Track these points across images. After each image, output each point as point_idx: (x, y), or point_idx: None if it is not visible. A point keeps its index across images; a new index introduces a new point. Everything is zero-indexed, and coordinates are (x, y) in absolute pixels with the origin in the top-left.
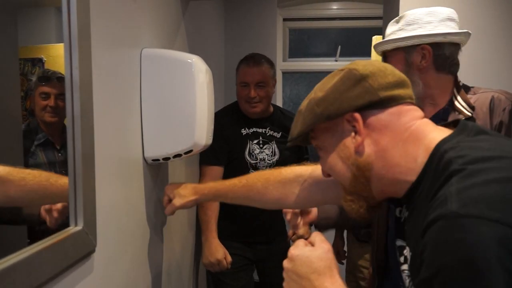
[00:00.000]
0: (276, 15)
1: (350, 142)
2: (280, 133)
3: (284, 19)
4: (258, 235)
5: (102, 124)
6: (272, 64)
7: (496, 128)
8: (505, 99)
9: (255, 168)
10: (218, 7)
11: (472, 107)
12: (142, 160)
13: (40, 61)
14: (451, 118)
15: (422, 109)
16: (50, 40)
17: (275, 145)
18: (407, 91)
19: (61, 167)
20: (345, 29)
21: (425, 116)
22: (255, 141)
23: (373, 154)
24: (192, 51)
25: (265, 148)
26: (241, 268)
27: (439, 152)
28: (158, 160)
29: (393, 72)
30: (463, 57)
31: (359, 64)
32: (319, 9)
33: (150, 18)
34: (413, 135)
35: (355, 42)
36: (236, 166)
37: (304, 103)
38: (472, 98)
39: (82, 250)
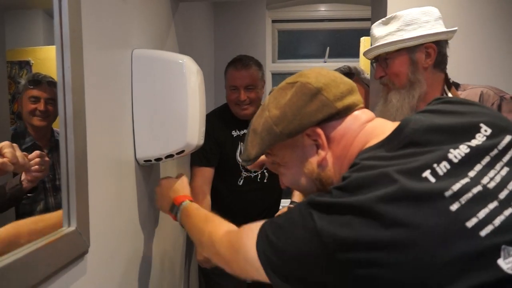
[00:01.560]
0: (265, 17)
1: (314, 158)
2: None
3: (273, 21)
4: None
5: (94, 125)
6: (260, 66)
7: None
8: (493, 94)
9: (246, 169)
10: (208, 9)
11: None
12: (134, 161)
13: (28, 64)
14: None
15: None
16: (38, 43)
17: None
18: (357, 97)
19: (48, 171)
20: (334, 31)
21: None
22: None
23: (332, 166)
24: (182, 52)
25: None
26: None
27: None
28: (150, 161)
29: (342, 81)
30: (457, 55)
31: (310, 76)
32: (308, 11)
33: (140, 19)
34: (357, 141)
35: (344, 44)
36: (228, 168)
37: (259, 122)
38: (462, 94)
39: (76, 250)
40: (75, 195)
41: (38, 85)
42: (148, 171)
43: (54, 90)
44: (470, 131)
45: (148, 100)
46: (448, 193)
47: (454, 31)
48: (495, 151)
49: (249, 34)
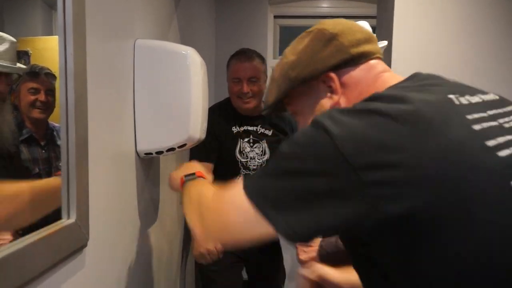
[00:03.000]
0: (267, 12)
1: (326, 102)
2: (272, 130)
3: (275, 16)
4: None
5: (95, 115)
6: (263, 59)
7: None
8: None
9: (246, 166)
10: (209, 3)
11: None
12: (134, 154)
13: (26, 54)
14: None
15: None
16: (36, 33)
17: (266, 145)
18: (375, 46)
19: (44, 164)
20: None
21: None
22: (246, 139)
23: None
24: (183, 44)
25: (255, 147)
26: (230, 265)
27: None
28: (151, 153)
29: (360, 29)
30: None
31: (327, 23)
32: (311, 7)
33: (143, 9)
34: (376, 87)
35: None
36: (227, 164)
37: (277, 70)
38: None
39: (75, 243)
40: (75, 186)
41: (37, 76)
42: (148, 164)
43: (52, 82)
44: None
45: (150, 91)
46: (469, 116)
47: (384, 47)
48: (500, 109)
49: (250, 29)
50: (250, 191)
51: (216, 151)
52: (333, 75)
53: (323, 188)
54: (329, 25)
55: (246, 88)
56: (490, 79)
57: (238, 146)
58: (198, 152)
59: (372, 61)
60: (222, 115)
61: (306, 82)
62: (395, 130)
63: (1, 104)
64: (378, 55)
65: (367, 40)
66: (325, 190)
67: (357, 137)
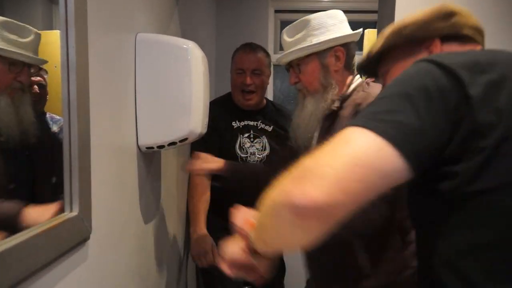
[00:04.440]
0: (268, 6)
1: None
2: (272, 127)
3: (276, 11)
4: None
5: (97, 109)
6: (268, 54)
7: None
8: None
9: (246, 162)
10: None
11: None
12: (136, 148)
13: None
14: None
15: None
16: (36, 27)
17: (266, 140)
18: (482, 38)
19: None
20: None
21: None
22: (246, 135)
23: None
24: (184, 38)
25: (255, 142)
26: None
27: None
28: (152, 148)
29: (475, 19)
30: None
31: (450, 3)
32: (311, 1)
33: (144, 3)
34: None
35: None
36: (227, 159)
37: (389, 28)
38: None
39: (78, 236)
40: (77, 179)
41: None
42: (150, 158)
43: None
44: None
45: (151, 86)
46: None
47: (359, 33)
48: None
49: (251, 23)
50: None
51: (217, 145)
52: (438, 42)
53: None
54: (451, 4)
55: (249, 80)
56: None
57: (238, 141)
58: (198, 146)
59: (477, 48)
60: (222, 109)
61: (413, 42)
62: None
63: (22, 95)
64: (482, 47)
65: (479, 31)
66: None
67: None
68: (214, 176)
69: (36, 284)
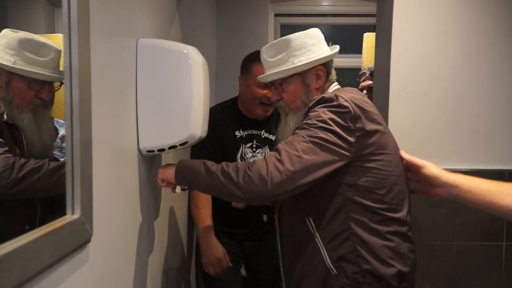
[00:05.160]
0: (268, 10)
1: None
2: (276, 136)
3: (276, 15)
4: (248, 232)
5: (99, 113)
6: None
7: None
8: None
9: None
10: (210, 2)
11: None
12: (136, 151)
13: None
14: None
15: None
16: (39, 31)
17: (268, 150)
18: None
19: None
20: (337, 26)
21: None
22: (249, 145)
23: None
24: (185, 43)
25: (257, 152)
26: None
27: None
28: (153, 151)
29: None
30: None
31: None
32: (311, 5)
33: (146, 8)
34: None
35: (347, 39)
36: None
37: None
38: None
39: (79, 239)
40: (79, 182)
41: None
42: (150, 161)
43: None
44: None
45: (152, 90)
46: None
47: (337, 51)
48: None
49: (251, 27)
50: None
51: (219, 154)
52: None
53: None
54: None
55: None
56: (490, 77)
57: (240, 151)
58: (200, 153)
59: None
60: (226, 117)
61: None
62: None
63: (44, 111)
64: None
65: None
66: None
67: None
68: None
69: (38, 286)
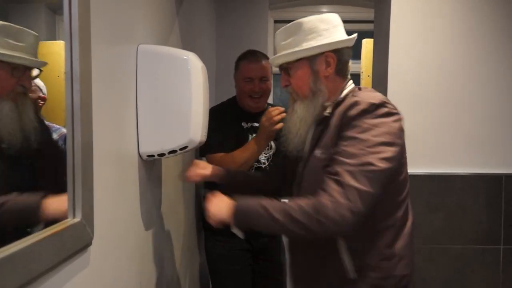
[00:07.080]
0: (267, 17)
1: None
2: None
3: (275, 21)
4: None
5: (100, 118)
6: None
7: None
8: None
9: (257, 160)
10: (210, 8)
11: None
12: (137, 156)
13: None
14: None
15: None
16: (40, 38)
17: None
18: None
19: None
20: None
21: None
22: (254, 135)
23: None
24: (184, 49)
25: None
26: (240, 260)
27: None
28: (153, 156)
29: None
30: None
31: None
32: (310, 12)
33: (146, 14)
34: None
35: None
36: None
37: None
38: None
39: (80, 242)
40: (81, 186)
41: None
42: (150, 166)
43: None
44: None
45: (152, 95)
46: None
47: (352, 39)
48: None
49: (250, 34)
50: None
51: (233, 143)
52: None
53: None
54: None
55: (258, 87)
56: (486, 81)
57: (249, 140)
58: (214, 146)
59: None
60: (230, 113)
61: None
62: None
63: (25, 99)
64: None
65: None
66: None
67: None
68: (210, 184)
69: None
